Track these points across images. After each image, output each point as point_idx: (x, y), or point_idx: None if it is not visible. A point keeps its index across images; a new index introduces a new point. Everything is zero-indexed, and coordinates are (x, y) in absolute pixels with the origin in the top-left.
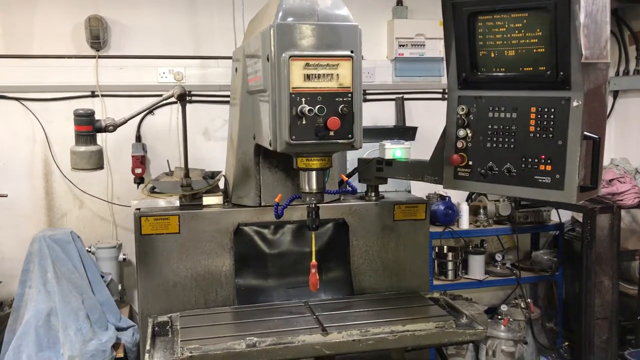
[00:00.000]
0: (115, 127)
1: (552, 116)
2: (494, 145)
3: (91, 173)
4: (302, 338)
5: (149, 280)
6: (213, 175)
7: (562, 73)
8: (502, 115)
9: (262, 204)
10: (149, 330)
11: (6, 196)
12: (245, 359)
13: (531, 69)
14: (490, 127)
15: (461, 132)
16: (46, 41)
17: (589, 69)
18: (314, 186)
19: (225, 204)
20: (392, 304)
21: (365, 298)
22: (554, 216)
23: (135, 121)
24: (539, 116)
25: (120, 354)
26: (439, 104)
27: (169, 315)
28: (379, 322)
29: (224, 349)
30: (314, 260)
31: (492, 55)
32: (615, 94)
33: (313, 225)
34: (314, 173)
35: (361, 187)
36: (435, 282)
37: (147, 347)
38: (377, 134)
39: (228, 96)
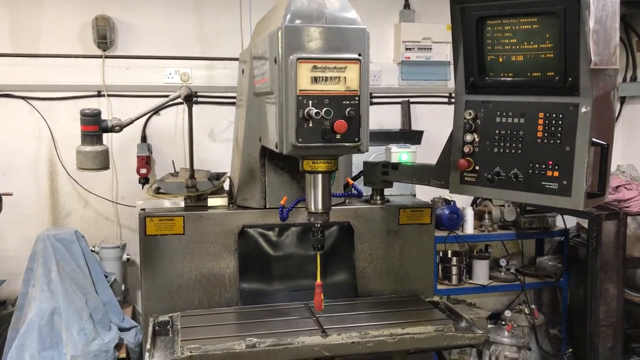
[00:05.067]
0: (121, 127)
1: (560, 122)
2: (501, 150)
3: (96, 173)
4: (301, 339)
5: (152, 281)
6: (218, 176)
7: (570, 79)
8: (510, 120)
9: (267, 206)
10: (150, 329)
11: (11, 195)
12: (244, 359)
13: (539, 74)
14: (497, 132)
15: (468, 137)
16: (53, 41)
17: (598, 75)
18: (320, 206)
19: (230, 205)
20: (392, 307)
21: (366, 301)
22: (559, 222)
23: (141, 121)
24: (546, 122)
25: (123, 355)
26: (445, 107)
27: (170, 314)
28: (379, 325)
29: (223, 349)
30: (318, 280)
31: (500, 60)
32: (622, 100)
33: (319, 246)
34: (320, 192)
35: (366, 191)
36: (439, 287)
37: (148, 346)
38: (383, 137)
39: (234, 97)
